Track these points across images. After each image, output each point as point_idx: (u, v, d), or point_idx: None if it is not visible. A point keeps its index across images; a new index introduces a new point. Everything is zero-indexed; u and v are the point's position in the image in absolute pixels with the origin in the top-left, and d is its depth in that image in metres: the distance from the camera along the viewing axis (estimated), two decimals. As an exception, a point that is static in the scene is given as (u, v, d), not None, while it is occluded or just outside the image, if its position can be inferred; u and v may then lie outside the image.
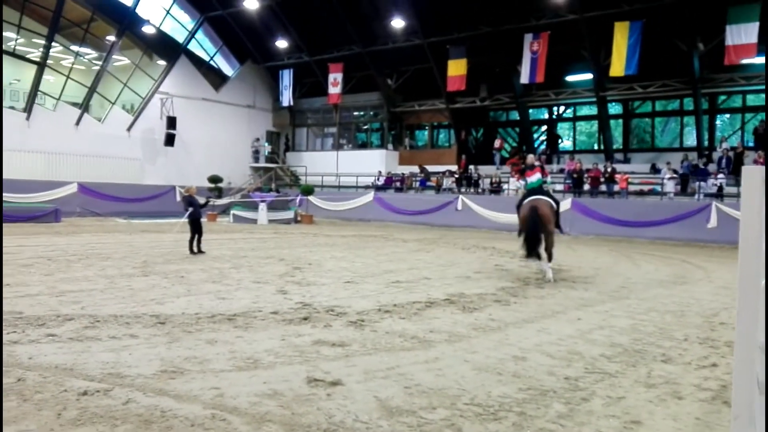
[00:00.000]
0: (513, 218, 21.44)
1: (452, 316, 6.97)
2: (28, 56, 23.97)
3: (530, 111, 27.01)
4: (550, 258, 10.18)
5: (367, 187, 27.16)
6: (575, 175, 22.07)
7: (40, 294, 7.54)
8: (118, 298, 7.43)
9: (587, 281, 10.07)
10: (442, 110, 27.57)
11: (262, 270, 10.45)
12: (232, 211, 24.54)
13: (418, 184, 26.58)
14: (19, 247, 12.67)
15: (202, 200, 13.71)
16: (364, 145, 31.10)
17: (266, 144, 32.08)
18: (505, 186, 23.70)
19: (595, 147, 26.72)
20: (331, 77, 28.34)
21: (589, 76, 23.75)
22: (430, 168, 27.07)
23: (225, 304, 7.27)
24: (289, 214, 24.66)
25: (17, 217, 19.30)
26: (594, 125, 27.29)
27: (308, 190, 26.45)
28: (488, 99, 26.25)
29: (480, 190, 24.44)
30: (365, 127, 31.61)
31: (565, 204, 20.91)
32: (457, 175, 25.42)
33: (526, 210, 10.06)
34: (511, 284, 9.46)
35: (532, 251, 9.72)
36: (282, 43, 28.75)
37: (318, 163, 30.54)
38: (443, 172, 25.85)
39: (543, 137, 28.24)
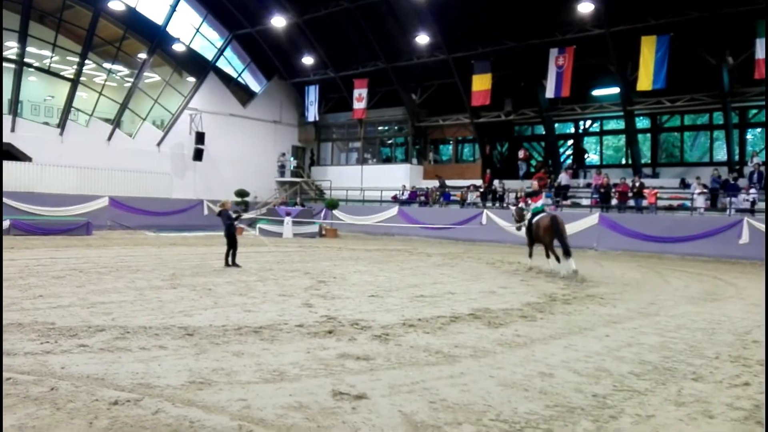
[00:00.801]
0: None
1: (477, 331, 6.93)
2: (62, 73, 24.72)
3: (556, 125, 26.85)
4: (570, 254, 12.10)
5: (391, 201, 27.22)
6: (602, 190, 21.81)
7: (71, 305, 7.71)
8: (148, 310, 7.56)
9: (615, 297, 9.92)
10: (467, 125, 27.59)
11: (287, 283, 10.54)
12: (258, 225, 24.80)
13: (442, 198, 26.55)
14: (51, 259, 13.01)
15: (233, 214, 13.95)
16: (388, 160, 31.25)
17: (292, 159, 32.44)
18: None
19: (623, 161, 26.40)
20: (356, 92, 28.62)
21: (615, 90, 23.55)
22: (455, 182, 27.04)
23: (251, 317, 7.35)
24: (314, 228, 24.83)
25: (50, 229, 19.83)
26: (621, 139, 26.97)
27: (333, 204, 26.63)
28: (513, 113, 26.19)
29: (505, 205, 24.30)
30: (389, 141, 31.77)
31: (592, 219, 20.69)
32: (481, 190, 25.33)
33: (548, 220, 12.54)
34: (537, 300, 9.36)
35: (568, 249, 12.02)
36: (308, 60, 29.17)
37: (343, 177, 30.76)
38: (467, 187, 25.79)
39: (569, 151, 28.01)
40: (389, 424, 3.90)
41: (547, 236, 12.66)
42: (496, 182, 25.44)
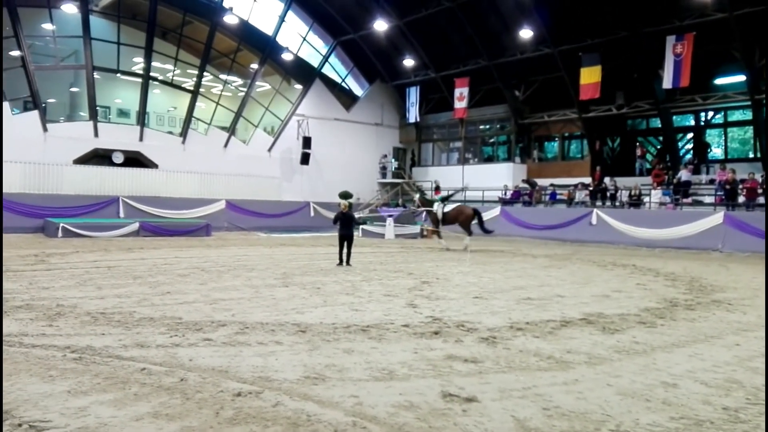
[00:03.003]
0: (655, 233, 20.10)
1: (591, 336, 6.63)
2: (183, 86, 26.68)
3: (674, 118, 25.05)
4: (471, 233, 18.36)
5: (496, 201, 26.73)
6: (728, 187, 20.06)
7: (196, 301, 8.30)
8: (263, 307, 7.96)
9: (744, 303, 9.10)
10: (574, 120, 26.49)
11: (391, 283, 10.67)
12: (360, 226, 25.33)
13: (548, 197, 25.69)
14: (176, 258, 14.08)
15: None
16: (490, 159, 30.73)
17: (393, 160, 32.82)
18: (646, 198, 22.16)
19: (750, 155, 24.12)
20: (457, 92, 28.42)
21: (741, 78, 21.56)
22: (561, 181, 26.05)
23: (358, 316, 7.52)
24: (415, 229, 24.95)
25: (174, 231, 21.45)
26: (748, 131, 24.66)
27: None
28: (626, 106, 24.75)
29: (617, 203, 23.06)
30: (491, 140, 31.23)
31: (717, 218, 19.14)
32: (591, 188, 24.21)
33: (470, 210, 19.21)
34: (656, 305, 8.79)
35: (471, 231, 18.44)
36: (409, 62, 29.38)
37: (444, 177, 30.61)
38: (575, 185, 24.75)
39: (689, 145, 26.04)
40: (501, 429, 3.83)
41: (468, 221, 18.57)
42: (607, 180, 24.19)
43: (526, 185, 26.79)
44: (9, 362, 5.05)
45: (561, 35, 24.02)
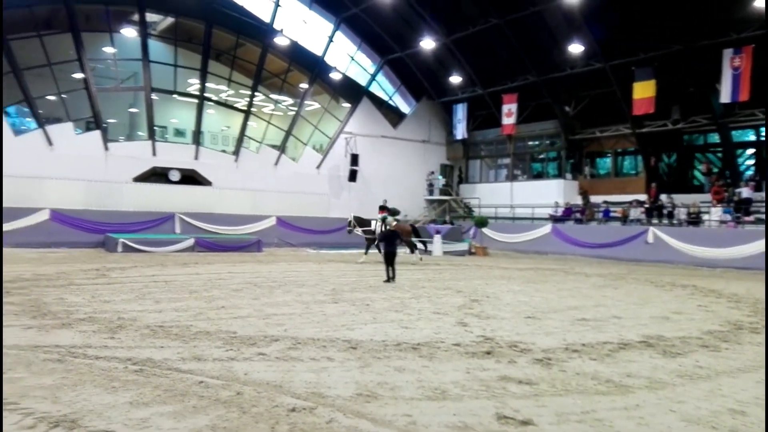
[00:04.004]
0: (716, 252, 19.29)
1: (651, 360, 6.39)
2: (236, 105, 27.49)
3: (733, 133, 24.12)
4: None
5: (546, 218, 26.27)
6: (793, 204, 19.09)
7: (249, 316, 8.45)
8: (314, 323, 8.04)
9: (818, 328, 8.58)
10: (628, 135, 25.84)
11: (440, 301, 10.60)
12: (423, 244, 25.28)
13: (601, 215, 25.05)
14: (229, 273, 14.39)
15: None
16: (539, 176, 30.27)
17: (440, 177, 32.76)
18: (705, 216, 21.32)
19: (818, 170, 22.89)
20: (505, 108, 28.21)
21: (807, 90, 20.58)
22: (615, 198, 25.40)
23: (408, 333, 7.49)
24: (463, 246, 24.74)
25: (227, 247, 21.97)
26: (816, 145, 23.45)
27: (482, 222, 26.35)
28: (682, 121, 24.00)
29: (675, 221, 22.27)
30: (541, 156, 30.79)
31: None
32: (647, 205, 23.48)
33: (409, 226, 20.95)
34: (719, 328, 8.41)
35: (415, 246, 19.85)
36: (456, 79, 29.42)
37: (492, 194, 30.37)
38: (630, 202, 24.06)
39: (750, 161, 24.97)
40: (560, 454, 3.72)
41: (410, 236, 19.84)
42: (663, 197, 23.42)
43: (581, 197, 26.30)
44: (74, 373, 5.26)
45: (612, 50, 23.57)
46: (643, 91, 22.79)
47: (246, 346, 6.48)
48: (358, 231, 20.09)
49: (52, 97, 22.75)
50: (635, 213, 23.57)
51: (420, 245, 20.59)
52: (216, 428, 4.02)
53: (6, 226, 19.67)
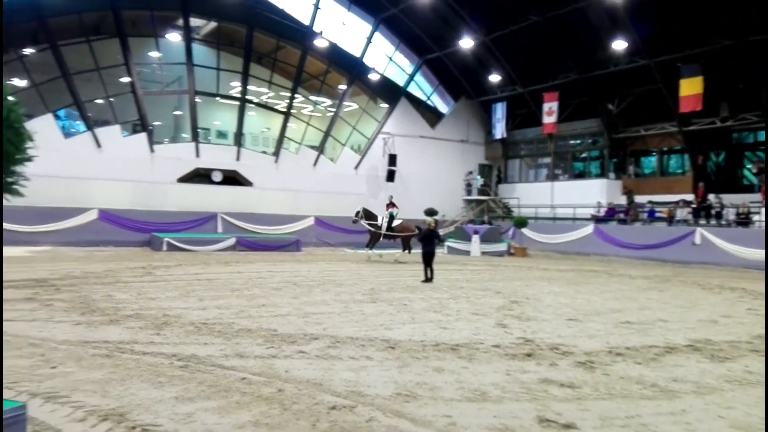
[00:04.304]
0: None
1: (698, 364, 6.20)
2: (276, 107, 27.87)
3: (786, 130, 23.13)
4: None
5: (588, 219, 25.75)
6: None
7: (289, 314, 8.57)
8: (353, 322, 8.09)
9: None
10: (674, 134, 25.08)
11: (479, 302, 10.52)
12: (445, 243, 25.20)
13: (646, 215, 24.39)
14: (269, 272, 14.62)
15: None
16: (581, 175, 29.67)
17: (478, 177, 32.49)
18: (755, 217, 20.53)
19: None
20: (546, 106, 27.76)
21: None
22: (660, 198, 24.71)
23: (447, 334, 7.46)
24: (502, 247, 24.47)
25: (267, 246, 22.31)
26: None
27: (521, 222, 26.01)
28: (731, 119, 23.15)
29: (723, 222, 21.51)
30: (583, 155, 30.18)
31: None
32: (694, 205, 22.75)
33: (413, 225, 19.77)
34: (771, 332, 8.09)
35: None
36: (495, 77, 29.12)
37: (531, 194, 29.94)
38: (676, 202, 23.36)
39: (804, 160, 23.90)
40: (604, 459, 3.65)
41: (409, 238, 19.50)
42: (711, 197, 22.65)
43: (625, 197, 25.70)
44: (122, 368, 5.44)
45: (657, 46, 22.92)
46: (690, 87, 22.08)
47: (286, 344, 6.57)
48: (364, 223, 20.00)
49: (100, 101, 23.55)
50: (682, 213, 22.86)
51: (407, 254, 19.83)
52: (258, 424, 4.09)
53: (56, 225, 20.51)
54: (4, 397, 4.35)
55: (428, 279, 13.31)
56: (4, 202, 5.19)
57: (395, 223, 19.86)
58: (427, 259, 13.47)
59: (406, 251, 19.96)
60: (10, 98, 4.58)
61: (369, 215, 20.19)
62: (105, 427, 3.96)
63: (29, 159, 4.46)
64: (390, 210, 20.19)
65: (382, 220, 19.83)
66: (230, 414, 4.26)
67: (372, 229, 19.88)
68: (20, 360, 5.55)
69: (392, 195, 22.52)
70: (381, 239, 19.88)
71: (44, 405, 4.33)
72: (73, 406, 4.31)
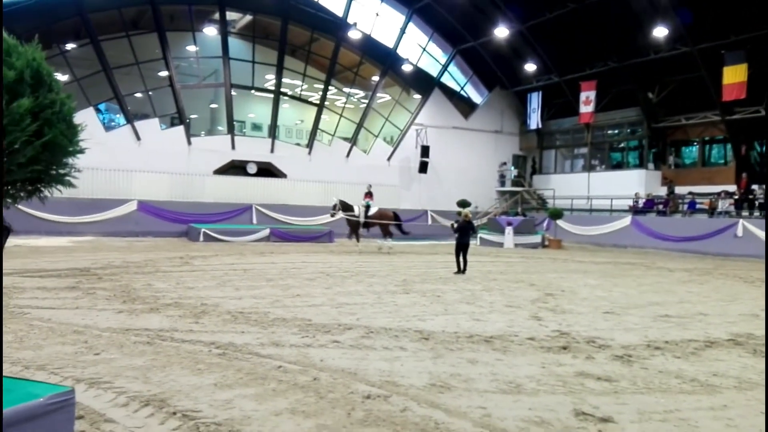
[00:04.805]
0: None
1: (740, 359, 6.04)
2: (310, 99, 28.03)
3: (837, 118, 22.16)
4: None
5: (626, 210, 25.22)
6: None
7: (323, 304, 8.66)
8: (386, 313, 8.13)
9: None
10: (716, 123, 24.31)
11: (513, 294, 10.44)
12: (478, 234, 25.05)
13: (686, 207, 23.75)
14: (303, 263, 14.78)
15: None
16: (619, 166, 29.04)
17: (512, 168, 32.12)
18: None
19: None
20: (583, 96, 27.21)
21: None
22: (701, 189, 24.03)
23: (480, 326, 7.43)
24: (536, 238, 24.18)
25: (301, 237, 22.54)
26: None
27: (556, 214, 25.63)
28: (776, 107, 22.31)
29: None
30: (621, 145, 29.51)
31: None
32: (736, 197, 22.05)
33: (392, 213, 20.47)
34: (819, 328, 7.80)
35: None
36: (530, 67, 28.66)
37: (567, 185, 29.45)
38: (718, 194, 22.68)
39: None
40: (642, 454, 3.60)
41: (388, 225, 19.74)
42: (755, 187, 21.91)
43: (666, 188, 25.11)
44: (162, 355, 5.59)
45: (700, 33, 22.20)
46: (734, 75, 21.35)
47: (321, 334, 6.65)
48: (342, 214, 19.85)
49: (139, 95, 24.09)
50: (724, 205, 22.21)
51: (388, 241, 19.90)
52: (295, 411, 4.16)
53: (97, 216, 21.15)
54: (51, 382, 4.52)
55: (461, 270, 13.26)
56: (56, 194, 5.38)
57: (372, 211, 19.81)
58: (461, 251, 13.41)
59: (388, 238, 19.97)
60: (63, 94, 4.81)
61: (346, 207, 19.99)
62: (147, 412, 4.08)
63: (81, 151, 4.61)
64: (366, 200, 20.19)
65: (359, 210, 19.75)
66: (267, 401, 4.35)
67: (350, 220, 19.83)
68: (65, 347, 5.76)
69: (371, 185, 22.07)
70: (360, 228, 19.76)
71: (88, 390, 4.48)
72: (116, 392, 4.46)
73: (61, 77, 22.13)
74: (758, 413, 4.40)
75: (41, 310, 7.54)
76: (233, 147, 25.13)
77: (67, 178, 5.22)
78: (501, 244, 23.53)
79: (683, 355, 6.15)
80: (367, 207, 19.82)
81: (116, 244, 18.60)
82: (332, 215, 20.46)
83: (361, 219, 19.54)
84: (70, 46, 22.32)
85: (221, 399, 4.37)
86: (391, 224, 19.94)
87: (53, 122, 4.68)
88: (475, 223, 26.78)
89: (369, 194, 20.87)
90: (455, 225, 14.03)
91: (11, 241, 17.03)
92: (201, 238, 20.61)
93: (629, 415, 4.25)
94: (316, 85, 27.54)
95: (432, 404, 4.36)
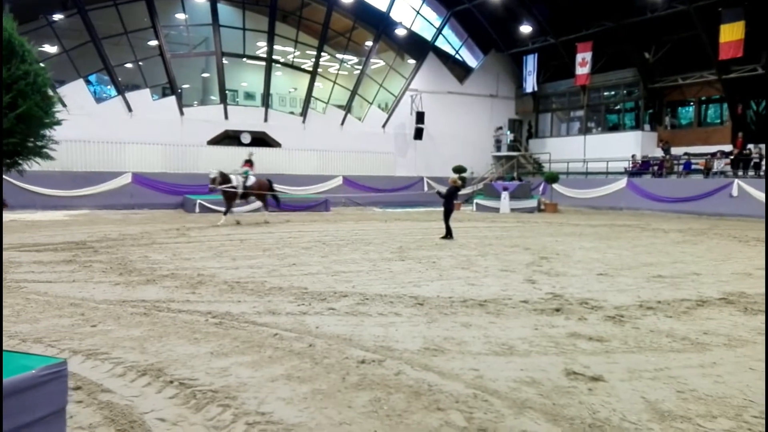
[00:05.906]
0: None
1: (731, 317, 6.12)
2: (302, 67, 27.67)
3: (834, 75, 21.99)
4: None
5: (620, 171, 25.22)
6: None
7: (319, 273, 8.71)
8: (381, 280, 8.19)
9: None
10: (713, 82, 24.10)
11: (508, 258, 10.50)
12: (474, 200, 25.08)
13: (681, 167, 23.75)
14: (299, 232, 14.81)
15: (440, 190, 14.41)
16: (615, 128, 28.90)
17: (508, 132, 31.94)
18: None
19: None
20: (579, 57, 26.89)
21: None
22: (697, 149, 23.99)
23: (475, 290, 7.50)
24: (532, 203, 24.22)
25: (297, 206, 22.50)
26: None
27: (552, 178, 25.62)
28: (773, 65, 22.10)
29: (762, 173, 20.82)
30: (617, 107, 29.31)
31: None
32: (731, 156, 22.03)
33: (267, 181, 18.17)
34: (809, 285, 7.90)
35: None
36: (526, 28, 28.23)
37: (563, 149, 29.36)
38: (713, 154, 22.65)
39: None
40: (631, 410, 3.67)
41: (265, 194, 17.87)
42: (750, 147, 21.87)
43: (661, 149, 25.04)
44: (159, 325, 5.64)
45: (698, -11, 21.84)
46: (731, 33, 21.08)
47: (317, 301, 6.71)
48: (221, 187, 16.78)
49: (129, 65, 23.73)
50: (719, 165, 22.21)
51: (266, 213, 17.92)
52: (291, 377, 4.22)
53: (92, 189, 21.09)
54: (48, 354, 4.57)
55: (448, 235, 13.28)
56: (36, 167, 5.36)
57: (250, 181, 17.30)
58: (447, 216, 13.47)
59: (263, 209, 18.07)
60: (39, 64, 4.68)
61: (225, 179, 17.07)
62: (144, 381, 4.14)
63: (58, 123, 4.57)
64: (245, 168, 17.77)
65: (237, 180, 17.08)
66: (263, 368, 4.41)
67: (228, 191, 16.94)
68: (62, 319, 5.81)
69: (252, 152, 20.07)
70: (238, 199, 17.31)
71: (85, 362, 4.53)
72: (113, 362, 4.51)
73: (50, 49, 21.79)
74: (746, 369, 4.48)
75: (38, 284, 7.57)
76: (226, 117, 24.90)
77: (45, 150, 5.19)
78: (497, 210, 23.56)
79: (675, 314, 6.23)
80: (246, 176, 17.30)
81: (112, 216, 18.58)
82: (211, 190, 17.10)
83: (240, 190, 17.02)
84: (57, 16, 21.87)
85: (218, 367, 4.43)
86: (268, 195, 17.97)
87: (27, 94, 4.62)
88: (469, 189, 26.87)
89: (249, 162, 18.34)
90: (440, 192, 14.05)
91: (7, 216, 17.00)
92: (197, 209, 20.59)
93: (619, 374, 4.33)
94: (308, 52, 27.14)
95: (425, 367, 4.43)
